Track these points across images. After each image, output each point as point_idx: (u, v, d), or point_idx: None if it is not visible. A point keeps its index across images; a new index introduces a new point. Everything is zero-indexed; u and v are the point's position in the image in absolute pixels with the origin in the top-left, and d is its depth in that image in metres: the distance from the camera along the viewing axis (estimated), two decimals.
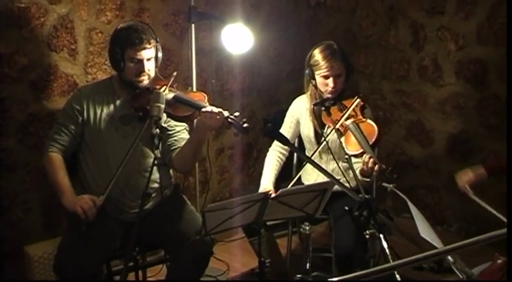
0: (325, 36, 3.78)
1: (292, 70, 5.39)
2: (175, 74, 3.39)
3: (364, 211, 2.70)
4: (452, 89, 4.92)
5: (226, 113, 3.17)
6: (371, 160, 3.21)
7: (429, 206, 5.18)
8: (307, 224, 3.03)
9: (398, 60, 5.23)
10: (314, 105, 3.68)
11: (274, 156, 3.89)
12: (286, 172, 3.99)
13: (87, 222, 3.08)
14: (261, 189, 3.70)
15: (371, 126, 3.44)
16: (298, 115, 3.86)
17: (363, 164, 3.25)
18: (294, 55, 5.36)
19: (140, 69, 3.27)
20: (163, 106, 3.08)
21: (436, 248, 2.45)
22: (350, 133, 3.42)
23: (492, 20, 4.57)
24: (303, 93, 3.88)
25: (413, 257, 1.64)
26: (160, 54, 3.38)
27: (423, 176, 5.21)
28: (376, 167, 3.18)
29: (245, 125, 3.12)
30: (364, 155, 3.26)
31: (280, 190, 2.93)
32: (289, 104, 3.96)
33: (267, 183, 3.77)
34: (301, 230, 3.06)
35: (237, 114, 3.19)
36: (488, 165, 3.44)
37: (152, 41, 3.27)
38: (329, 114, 3.54)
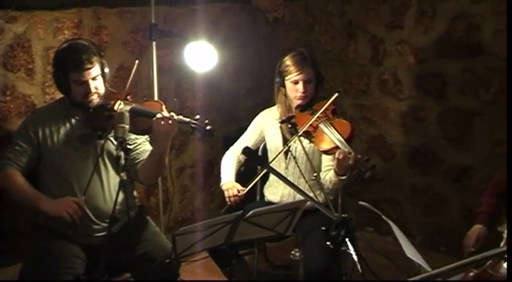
0: (284, 52, 3.73)
1: (251, 86, 5.33)
2: (128, 85, 3.26)
3: (341, 231, 2.64)
4: (413, 102, 4.91)
5: (181, 117, 3.09)
6: (346, 152, 3.18)
7: (392, 219, 5.09)
8: (297, 250, 2.97)
9: (358, 74, 5.21)
10: (281, 122, 3.63)
11: (234, 156, 3.87)
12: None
13: (74, 226, 3.01)
14: (225, 182, 3.70)
15: (343, 123, 3.44)
16: (265, 126, 3.82)
17: (337, 161, 3.22)
18: (253, 71, 5.31)
19: (87, 90, 3.16)
20: (127, 127, 2.95)
21: (421, 267, 2.49)
22: (321, 131, 3.39)
23: (451, 33, 4.57)
24: (264, 108, 3.85)
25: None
26: (106, 70, 3.26)
27: (385, 190, 5.19)
28: (351, 159, 3.15)
29: (208, 127, 3.03)
30: (337, 152, 3.22)
31: (252, 211, 2.85)
32: (250, 121, 3.92)
33: (229, 177, 3.74)
34: (291, 256, 2.99)
35: (197, 117, 3.09)
36: (482, 220, 3.28)
37: (94, 58, 3.15)
38: (295, 123, 3.47)
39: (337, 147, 3.26)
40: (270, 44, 5.46)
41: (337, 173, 3.34)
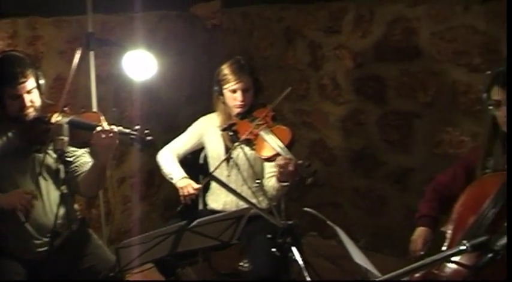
0: (223, 59, 3.70)
1: (191, 94, 5.27)
2: (64, 96, 3.17)
3: (287, 238, 2.62)
4: (353, 106, 4.93)
5: (121, 128, 3.02)
6: (287, 159, 3.14)
7: (335, 222, 5.11)
8: (245, 261, 2.91)
9: (298, 80, 5.20)
10: (222, 130, 3.58)
11: (172, 154, 3.81)
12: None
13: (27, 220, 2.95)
14: (179, 179, 3.62)
15: (283, 130, 3.40)
16: (205, 132, 3.78)
17: (279, 168, 3.18)
18: (193, 79, 5.26)
19: (22, 105, 3.04)
20: (66, 139, 2.86)
21: (369, 271, 2.45)
22: (262, 139, 3.34)
23: (389, 37, 4.61)
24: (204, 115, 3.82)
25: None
26: (42, 81, 3.14)
27: (327, 194, 5.18)
28: (292, 165, 3.11)
29: (148, 137, 2.97)
30: (278, 158, 3.19)
31: (196, 221, 2.81)
32: None
33: (180, 173, 3.67)
34: (240, 268, 2.94)
35: (137, 127, 3.03)
36: (425, 223, 3.18)
37: (28, 71, 3.02)
38: (237, 138, 3.44)
39: (278, 154, 3.22)
40: (209, 51, 5.41)
41: (279, 180, 3.30)
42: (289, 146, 3.28)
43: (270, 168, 3.56)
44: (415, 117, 4.60)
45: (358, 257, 2.56)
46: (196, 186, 3.57)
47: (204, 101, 3.86)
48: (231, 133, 3.46)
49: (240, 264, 3.15)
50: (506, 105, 2.75)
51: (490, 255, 1.53)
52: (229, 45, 5.51)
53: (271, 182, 3.52)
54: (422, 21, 4.44)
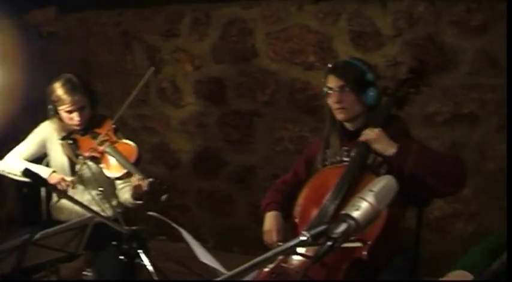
0: (61, 67, 3.48)
1: (28, 104, 4.93)
2: None
3: (133, 243, 2.48)
4: (193, 108, 4.85)
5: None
6: (138, 178, 3.03)
7: (183, 225, 4.97)
8: (89, 270, 2.73)
9: (137, 85, 5.01)
10: (62, 139, 3.37)
11: (18, 157, 3.51)
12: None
13: None
14: (49, 176, 3.32)
15: (128, 145, 3.27)
16: (47, 138, 3.51)
17: (133, 188, 3.07)
18: (30, 88, 4.92)
19: None
20: None
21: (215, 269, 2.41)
22: (108, 157, 3.19)
23: (225, 38, 4.58)
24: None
25: None
26: None
27: (173, 197, 5.01)
28: (146, 183, 3.00)
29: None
30: (132, 178, 3.08)
31: (40, 233, 2.60)
32: None
33: (46, 170, 3.38)
34: (83, 276, 2.74)
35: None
36: (273, 208, 3.04)
37: None
38: (78, 147, 3.28)
39: (128, 173, 3.10)
40: (46, 59, 5.12)
41: (133, 198, 3.19)
42: (136, 163, 3.17)
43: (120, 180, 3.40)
44: (254, 116, 4.60)
45: (204, 256, 2.51)
46: (70, 179, 3.32)
47: (43, 110, 3.59)
48: (70, 142, 3.30)
49: (84, 272, 2.96)
50: (338, 92, 2.78)
51: (329, 243, 1.47)
52: (66, 53, 5.23)
53: (126, 195, 3.39)
54: (257, 22, 4.45)
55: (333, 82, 2.80)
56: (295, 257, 2.66)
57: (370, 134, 2.70)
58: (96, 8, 5.13)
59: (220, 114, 4.74)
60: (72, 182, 3.29)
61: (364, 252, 2.50)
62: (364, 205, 1.50)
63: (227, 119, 4.72)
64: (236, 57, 4.57)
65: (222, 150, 4.80)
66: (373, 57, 4.02)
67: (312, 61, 4.30)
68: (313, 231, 1.52)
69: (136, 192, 3.09)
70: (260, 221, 3.09)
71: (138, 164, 3.19)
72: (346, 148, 2.86)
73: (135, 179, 3.06)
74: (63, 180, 3.29)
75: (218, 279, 1.63)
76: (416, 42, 3.97)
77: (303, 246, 1.55)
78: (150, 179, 3.01)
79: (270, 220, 2.94)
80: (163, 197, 3.00)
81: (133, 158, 3.18)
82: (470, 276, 1.79)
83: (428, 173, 2.60)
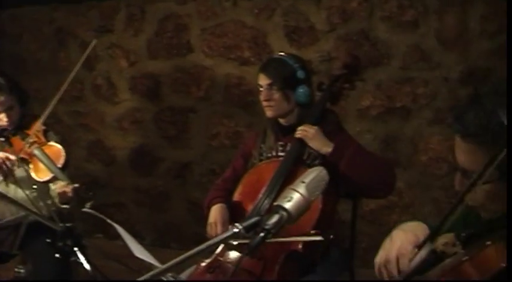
0: None
1: None
2: None
3: (67, 240, 2.26)
4: (128, 104, 4.57)
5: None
6: (65, 186, 2.79)
7: (120, 222, 4.71)
8: (21, 266, 2.48)
9: (71, 81, 4.70)
10: None
11: None
12: None
13: None
14: None
15: (56, 148, 3.01)
16: None
17: (59, 193, 2.83)
18: None
19: None
20: None
21: (151, 264, 2.25)
22: (37, 160, 2.92)
23: (160, 34, 4.33)
24: None
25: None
26: None
27: (110, 194, 4.76)
28: (70, 189, 2.76)
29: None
30: (58, 182, 2.84)
31: None
32: None
33: None
34: (15, 273, 2.49)
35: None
36: (218, 201, 2.86)
37: None
38: (11, 145, 3.01)
39: (55, 178, 2.87)
40: None
41: (60, 203, 2.93)
42: (63, 167, 2.94)
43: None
44: (190, 112, 4.37)
45: (139, 251, 2.35)
46: (13, 157, 2.99)
47: None
48: (2, 139, 3.02)
49: (16, 270, 2.69)
50: (266, 90, 2.69)
51: (262, 234, 1.41)
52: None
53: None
54: (192, 18, 4.23)
55: (262, 80, 2.71)
56: (232, 251, 2.56)
57: (306, 133, 2.61)
58: (30, 4, 4.78)
59: (155, 110, 4.49)
60: (16, 160, 3.01)
61: (300, 245, 2.43)
62: (296, 196, 1.45)
63: (163, 115, 4.47)
64: (171, 52, 4.33)
65: (158, 147, 4.54)
66: (308, 53, 3.88)
67: (247, 56, 4.12)
68: (245, 223, 1.45)
69: (63, 197, 2.84)
70: (198, 217, 2.95)
71: (66, 168, 2.95)
72: (281, 143, 2.75)
73: (60, 185, 2.83)
74: (8, 158, 3.00)
75: None
76: (349, 38, 3.85)
77: (236, 238, 1.49)
78: (76, 185, 2.77)
79: (215, 212, 2.74)
80: (89, 203, 2.76)
81: (60, 161, 2.94)
82: (425, 227, 1.68)
83: (360, 176, 2.54)
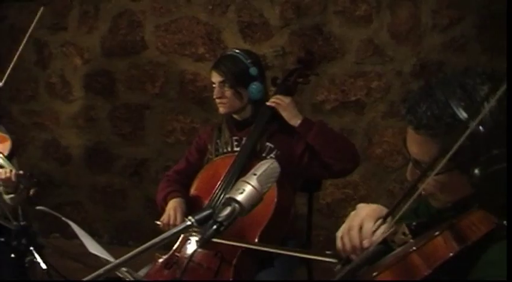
0: None
1: None
2: None
3: (22, 239, 2.06)
4: (83, 102, 4.28)
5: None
6: (7, 172, 2.60)
7: (77, 221, 4.44)
8: None
9: (25, 80, 4.40)
10: None
11: None
12: None
13: None
14: None
15: (3, 138, 2.83)
16: None
17: (2, 181, 2.63)
18: None
19: None
20: None
21: (107, 261, 2.07)
22: None
23: (114, 32, 4.06)
24: None
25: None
26: None
27: (66, 193, 4.47)
28: (13, 174, 2.58)
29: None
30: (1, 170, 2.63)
31: None
32: None
33: None
34: None
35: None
36: (175, 195, 2.69)
37: None
38: None
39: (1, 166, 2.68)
40: None
41: (5, 192, 2.75)
42: (10, 155, 2.76)
43: None
44: (145, 109, 4.12)
45: (93, 247, 2.21)
46: None
47: None
48: None
49: None
50: (218, 87, 2.59)
51: (214, 227, 1.36)
52: None
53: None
54: (146, 14, 3.98)
55: (214, 77, 2.61)
56: (190, 246, 2.46)
57: (280, 101, 2.53)
58: None
59: (110, 107, 4.21)
60: None
61: (256, 239, 2.34)
62: (248, 188, 1.40)
63: (118, 113, 4.20)
64: (125, 50, 4.07)
65: (113, 144, 4.27)
66: (262, 48, 3.71)
67: (201, 53, 3.90)
68: (197, 216, 1.39)
69: (7, 185, 2.66)
70: (155, 214, 2.69)
71: (12, 157, 2.75)
72: (236, 138, 2.66)
73: (4, 171, 2.62)
74: None
75: None
76: (303, 33, 3.68)
77: (188, 231, 1.49)
78: (20, 172, 2.60)
79: (172, 204, 2.56)
80: (32, 190, 2.64)
81: (6, 150, 2.75)
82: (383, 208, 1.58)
83: (328, 147, 2.47)
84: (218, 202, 2.42)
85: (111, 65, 4.14)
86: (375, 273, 1.28)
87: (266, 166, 1.46)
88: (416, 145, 1.36)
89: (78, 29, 4.18)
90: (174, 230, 1.41)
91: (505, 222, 1.27)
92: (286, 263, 2.51)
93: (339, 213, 3.71)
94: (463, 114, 1.26)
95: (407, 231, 1.44)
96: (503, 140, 1.25)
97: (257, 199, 1.40)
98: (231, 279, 2.32)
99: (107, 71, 4.16)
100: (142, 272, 2.52)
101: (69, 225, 2.37)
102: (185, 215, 2.50)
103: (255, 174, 1.43)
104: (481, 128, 1.24)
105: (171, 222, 2.48)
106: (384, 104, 3.56)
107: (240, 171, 2.43)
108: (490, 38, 3.39)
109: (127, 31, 4.04)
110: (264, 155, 2.54)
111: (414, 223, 1.44)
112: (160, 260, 2.49)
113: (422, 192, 1.38)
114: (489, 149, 1.25)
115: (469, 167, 1.27)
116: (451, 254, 1.25)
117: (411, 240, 1.41)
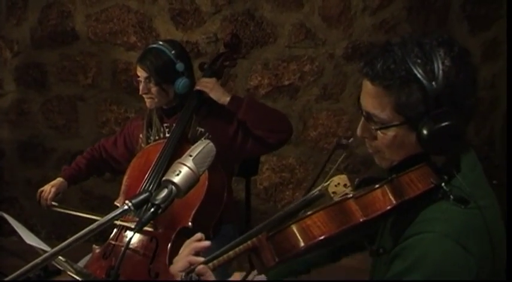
0: None
1: None
2: None
3: None
4: (14, 96, 3.74)
5: None
6: None
7: (13, 217, 3.91)
8: None
9: None
10: None
11: None
12: None
13: None
14: None
15: None
16: None
17: None
18: None
19: None
20: None
21: (44, 251, 1.91)
22: None
23: (44, 23, 3.56)
24: None
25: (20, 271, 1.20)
26: None
27: (1, 189, 3.94)
28: None
29: None
30: None
31: None
32: None
33: None
34: None
35: None
36: (64, 175, 2.70)
37: None
38: None
39: None
40: None
41: None
42: None
43: None
44: (78, 100, 3.65)
45: (30, 238, 2.08)
46: None
47: None
48: None
49: None
50: (143, 82, 2.34)
51: (152, 209, 1.28)
52: None
53: None
54: (76, 4, 3.50)
55: (139, 72, 2.35)
56: (126, 233, 2.27)
57: (206, 84, 2.36)
58: None
59: (42, 100, 3.71)
60: None
61: (190, 222, 2.16)
62: (184, 170, 1.34)
63: (50, 105, 3.70)
64: (56, 41, 3.57)
65: (47, 137, 3.77)
66: (194, 35, 3.32)
67: (133, 41, 3.46)
68: (134, 200, 1.30)
69: None
70: (92, 207, 2.79)
71: None
72: (166, 125, 2.48)
73: None
74: None
75: None
76: (235, 18, 3.30)
77: (126, 215, 1.40)
78: None
79: (56, 182, 2.63)
80: None
81: None
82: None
83: (259, 121, 2.30)
84: (150, 187, 2.23)
85: (42, 57, 3.63)
86: (309, 212, 1.23)
87: (201, 147, 1.39)
88: (370, 98, 1.30)
89: (7, 21, 3.64)
90: (112, 214, 1.28)
91: (443, 184, 1.24)
92: (223, 245, 2.20)
93: (276, 197, 3.39)
94: (418, 70, 1.22)
95: (348, 183, 1.44)
96: (453, 99, 1.21)
97: (194, 180, 1.34)
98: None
99: (38, 63, 3.65)
100: (81, 263, 2.36)
101: (6, 222, 2.19)
102: (58, 191, 2.58)
103: (190, 156, 1.36)
104: (433, 83, 1.20)
105: (44, 196, 2.53)
106: (317, 87, 3.25)
107: (170, 156, 2.24)
108: (419, 19, 3.13)
109: (57, 22, 3.54)
110: (194, 140, 2.31)
111: (358, 178, 1.41)
112: (98, 251, 2.32)
113: (370, 151, 1.35)
114: (439, 105, 1.21)
115: (418, 123, 1.23)
116: (388, 207, 1.23)
117: (352, 192, 1.37)
